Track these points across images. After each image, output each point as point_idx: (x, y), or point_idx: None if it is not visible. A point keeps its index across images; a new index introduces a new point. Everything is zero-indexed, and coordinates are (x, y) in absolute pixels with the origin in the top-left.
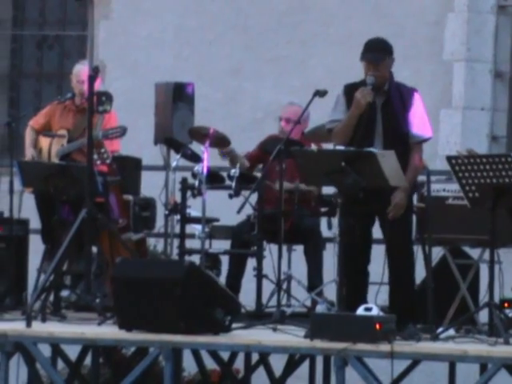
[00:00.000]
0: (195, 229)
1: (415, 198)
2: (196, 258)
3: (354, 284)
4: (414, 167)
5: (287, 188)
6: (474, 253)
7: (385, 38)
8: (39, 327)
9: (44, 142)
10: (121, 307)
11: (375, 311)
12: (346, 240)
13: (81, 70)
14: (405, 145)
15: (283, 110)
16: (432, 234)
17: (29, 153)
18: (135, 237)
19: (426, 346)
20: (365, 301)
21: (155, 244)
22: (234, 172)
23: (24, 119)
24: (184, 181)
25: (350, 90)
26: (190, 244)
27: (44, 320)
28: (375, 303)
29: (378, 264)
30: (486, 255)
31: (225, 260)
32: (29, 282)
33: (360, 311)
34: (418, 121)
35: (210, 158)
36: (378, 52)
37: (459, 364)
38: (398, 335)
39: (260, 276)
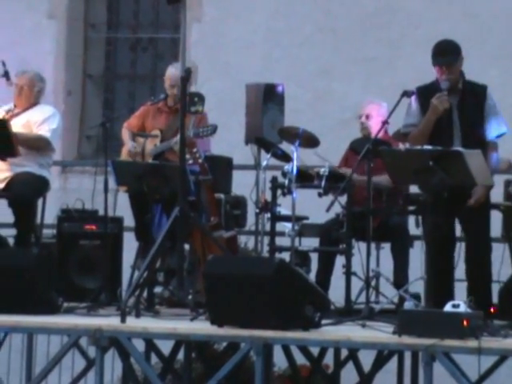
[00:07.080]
0: (285, 227)
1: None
2: (286, 256)
3: (441, 281)
4: (491, 164)
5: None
6: None
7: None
8: (133, 323)
9: (138, 142)
10: (212, 303)
11: (463, 308)
12: (433, 238)
13: (173, 74)
14: (483, 143)
15: (363, 107)
16: None
17: (131, 144)
18: (226, 234)
19: None
20: (452, 297)
21: (246, 241)
22: (324, 171)
23: (118, 120)
24: (274, 180)
25: (422, 93)
26: (280, 242)
27: (138, 316)
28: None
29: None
30: None
31: (314, 257)
32: (123, 279)
33: (448, 308)
34: (493, 117)
35: (299, 157)
36: (449, 55)
37: None
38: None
39: (349, 273)
